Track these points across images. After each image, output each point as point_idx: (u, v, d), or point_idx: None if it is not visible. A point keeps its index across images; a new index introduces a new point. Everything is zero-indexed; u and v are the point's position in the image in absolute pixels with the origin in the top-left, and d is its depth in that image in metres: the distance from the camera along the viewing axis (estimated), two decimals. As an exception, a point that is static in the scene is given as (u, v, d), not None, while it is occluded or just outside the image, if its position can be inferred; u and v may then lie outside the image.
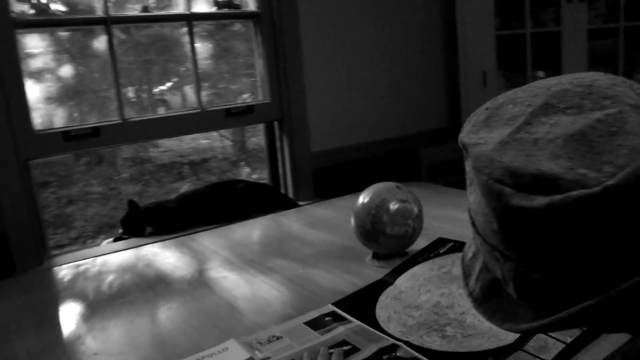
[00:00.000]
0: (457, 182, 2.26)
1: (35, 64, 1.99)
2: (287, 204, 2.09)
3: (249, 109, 2.28)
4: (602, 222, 0.41)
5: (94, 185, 2.32)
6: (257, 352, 0.88)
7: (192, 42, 2.16)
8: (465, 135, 0.51)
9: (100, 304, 1.20)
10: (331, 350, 0.85)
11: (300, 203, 2.22)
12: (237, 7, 2.31)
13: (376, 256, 1.26)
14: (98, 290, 1.29)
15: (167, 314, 1.11)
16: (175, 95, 2.31)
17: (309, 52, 2.33)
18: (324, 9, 2.35)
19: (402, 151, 2.53)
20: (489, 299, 0.54)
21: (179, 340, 0.98)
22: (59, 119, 2.04)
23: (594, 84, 0.47)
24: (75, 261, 1.51)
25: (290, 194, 2.38)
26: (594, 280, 0.43)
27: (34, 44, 1.98)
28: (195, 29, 2.17)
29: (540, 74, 2.63)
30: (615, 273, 0.42)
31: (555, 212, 0.41)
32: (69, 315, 1.19)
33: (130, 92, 2.17)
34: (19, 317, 1.16)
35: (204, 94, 2.23)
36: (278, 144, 2.41)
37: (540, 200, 0.42)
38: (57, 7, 2.02)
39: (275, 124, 2.39)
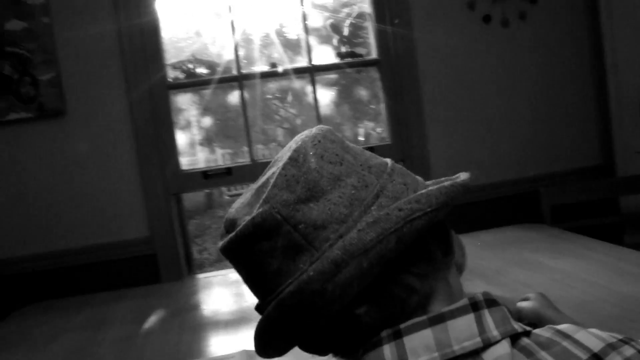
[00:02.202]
0: (583, 227, 2.15)
1: (183, 116, 2.34)
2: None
3: (371, 149, 2.39)
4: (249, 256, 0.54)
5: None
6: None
7: (314, 91, 2.35)
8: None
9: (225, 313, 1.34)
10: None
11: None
12: (360, 55, 2.46)
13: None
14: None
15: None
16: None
17: (429, 94, 2.39)
18: (443, 52, 2.41)
19: (524, 193, 2.46)
20: None
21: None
22: (200, 160, 2.38)
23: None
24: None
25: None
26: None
27: (183, 100, 2.35)
28: (318, 77, 2.36)
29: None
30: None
31: (230, 246, 0.54)
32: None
33: (259, 136, 2.43)
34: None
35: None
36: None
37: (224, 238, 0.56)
38: (201, 70, 2.42)
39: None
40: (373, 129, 2.51)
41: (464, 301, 0.50)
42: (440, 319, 0.49)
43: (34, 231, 2.18)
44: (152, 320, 1.55)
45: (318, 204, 0.50)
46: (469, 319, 0.49)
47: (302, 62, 2.38)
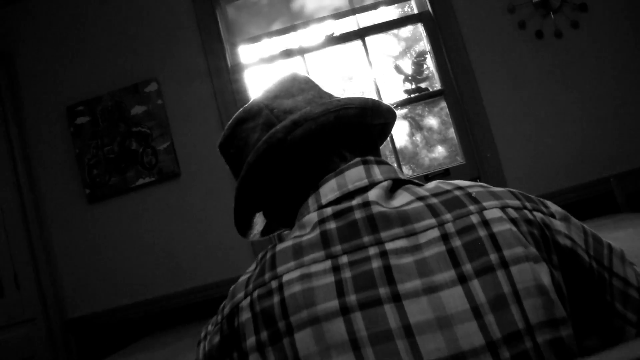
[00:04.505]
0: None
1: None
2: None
3: (446, 172, 2.57)
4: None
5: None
6: None
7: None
8: None
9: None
10: None
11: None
12: (425, 89, 2.69)
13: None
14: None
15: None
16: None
17: (493, 113, 2.55)
18: (500, 73, 2.57)
19: (600, 195, 2.46)
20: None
21: None
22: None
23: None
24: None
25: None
26: None
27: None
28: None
29: None
30: None
31: (226, 132, 0.87)
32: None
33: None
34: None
35: (404, 167, 2.61)
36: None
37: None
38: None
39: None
40: (449, 153, 2.68)
41: (357, 160, 0.72)
42: (340, 172, 0.71)
43: (160, 275, 2.59)
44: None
45: (288, 100, 0.79)
46: (360, 169, 0.70)
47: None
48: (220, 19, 2.76)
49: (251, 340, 0.59)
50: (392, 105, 2.59)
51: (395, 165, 2.55)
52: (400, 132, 2.70)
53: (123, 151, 2.64)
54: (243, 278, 0.66)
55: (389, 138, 2.61)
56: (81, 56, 2.75)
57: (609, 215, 2.16)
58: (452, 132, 2.63)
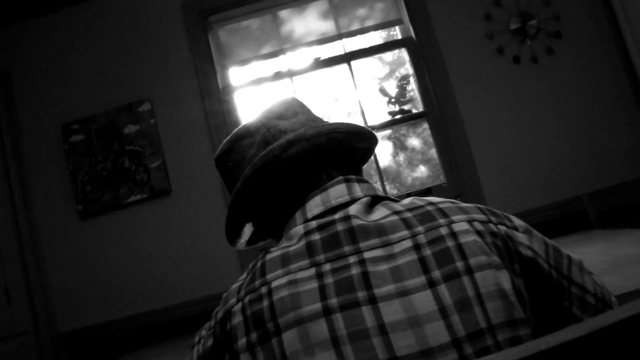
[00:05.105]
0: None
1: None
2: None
3: (428, 191, 2.67)
4: None
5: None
6: None
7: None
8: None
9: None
10: None
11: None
12: (409, 111, 2.81)
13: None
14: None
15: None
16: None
17: (473, 134, 2.66)
18: (480, 95, 2.69)
19: (574, 213, 2.58)
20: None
21: None
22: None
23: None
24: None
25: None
26: None
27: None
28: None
29: None
30: None
31: (224, 146, 0.93)
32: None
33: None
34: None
35: (388, 186, 2.71)
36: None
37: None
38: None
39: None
40: (430, 172, 2.78)
41: (340, 178, 0.79)
42: (324, 189, 0.78)
43: (150, 289, 2.66)
44: None
45: (284, 121, 0.87)
46: (342, 187, 0.78)
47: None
48: (212, 42, 2.86)
49: (242, 341, 0.65)
50: (376, 127, 2.70)
51: (378, 184, 2.66)
52: (385, 152, 2.80)
53: (116, 169, 2.72)
54: (235, 285, 0.72)
55: (373, 158, 2.72)
56: (77, 76, 2.84)
57: (581, 232, 2.27)
58: (434, 152, 2.74)
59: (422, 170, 2.83)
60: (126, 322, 2.63)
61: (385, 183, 2.68)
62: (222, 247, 2.65)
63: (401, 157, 2.82)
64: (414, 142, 2.82)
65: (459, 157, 2.66)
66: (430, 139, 2.74)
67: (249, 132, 0.88)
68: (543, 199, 2.61)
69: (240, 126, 0.90)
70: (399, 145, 2.85)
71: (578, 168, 2.63)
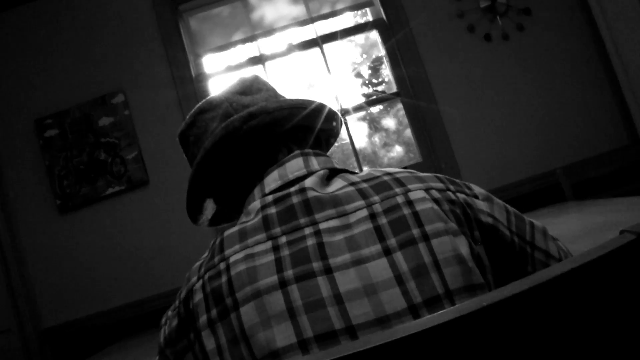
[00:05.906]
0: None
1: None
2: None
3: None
4: None
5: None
6: None
7: (347, 130, 2.72)
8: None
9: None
10: None
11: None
12: (382, 92, 2.82)
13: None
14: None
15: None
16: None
17: (447, 113, 2.69)
18: (452, 74, 2.71)
19: (549, 186, 2.62)
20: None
21: None
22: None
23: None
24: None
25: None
26: None
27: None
28: (350, 116, 2.74)
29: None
30: None
31: (187, 120, 0.93)
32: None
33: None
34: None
35: (365, 167, 2.73)
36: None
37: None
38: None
39: (433, 179, 2.74)
40: (405, 151, 2.80)
41: (296, 152, 0.79)
42: (281, 163, 0.79)
43: (133, 280, 2.66)
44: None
45: (247, 97, 0.88)
46: (299, 160, 0.78)
47: (334, 107, 2.79)
48: (184, 31, 2.85)
49: (203, 319, 0.65)
50: (350, 110, 2.71)
51: (355, 165, 2.67)
52: (360, 134, 2.82)
53: (92, 162, 2.70)
54: (197, 264, 0.72)
55: (349, 139, 2.73)
56: (48, 70, 2.81)
57: (556, 204, 2.31)
58: (409, 132, 2.76)
59: (398, 150, 2.85)
60: (109, 314, 2.63)
61: (361, 163, 2.70)
62: (201, 235, 2.66)
63: (377, 138, 2.83)
64: (389, 122, 2.84)
65: (434, 136, 2.69)
66: (405, 120, 2.76)
67: (211, 106, 0.89)
68: (518, 174, 2.65)
69: (204, 100, 0.90)
70: (374, 127, 2.87)
71: (552, 143, 2.67)
